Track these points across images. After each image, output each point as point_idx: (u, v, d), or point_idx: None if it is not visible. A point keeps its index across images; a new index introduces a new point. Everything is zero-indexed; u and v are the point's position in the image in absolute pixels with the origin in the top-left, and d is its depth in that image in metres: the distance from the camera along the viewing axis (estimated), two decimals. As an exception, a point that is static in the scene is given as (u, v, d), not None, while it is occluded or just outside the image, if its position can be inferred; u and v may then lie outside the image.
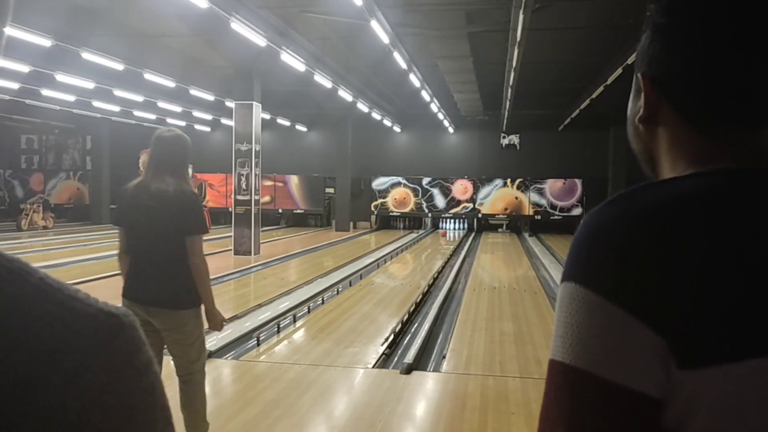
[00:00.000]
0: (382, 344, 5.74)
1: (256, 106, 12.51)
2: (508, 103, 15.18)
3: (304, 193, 21.57)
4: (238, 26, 8.59)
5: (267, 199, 20.60)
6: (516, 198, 20.65)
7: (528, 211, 20.54)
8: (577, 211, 20.03)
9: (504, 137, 21.10)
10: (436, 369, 5.16)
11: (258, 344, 5.72)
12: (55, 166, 24.33)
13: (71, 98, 16.65)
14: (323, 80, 12.71)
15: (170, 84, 14.22)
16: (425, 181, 21.18)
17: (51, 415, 0.37)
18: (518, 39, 8.85)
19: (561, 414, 0.57)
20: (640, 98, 0.69)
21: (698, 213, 0.58)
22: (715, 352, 0.54)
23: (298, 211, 21.68)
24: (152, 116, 19.37)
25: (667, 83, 0.66)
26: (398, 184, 21.37)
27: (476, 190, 20.90)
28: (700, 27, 0.64)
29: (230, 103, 13.61)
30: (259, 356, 5.45)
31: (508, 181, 20.69)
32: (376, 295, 8.52)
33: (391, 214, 21.56)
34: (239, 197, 12.63)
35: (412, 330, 6.48)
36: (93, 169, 23.16)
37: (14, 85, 14.74)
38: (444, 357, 5.46)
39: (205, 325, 3.16)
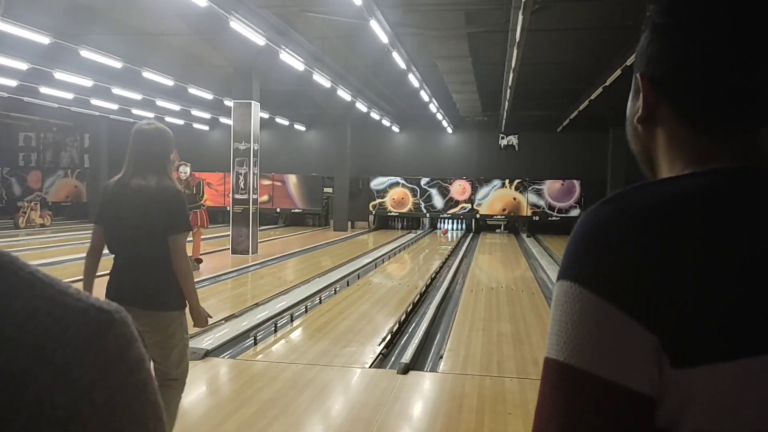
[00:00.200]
0: (380, 344, 5.74)
1: (255, 105, 12.51)
2: (506, 103, 15.19)
3: (302, 192, 21.56)
4: (237, 25, 8.58)
5: (265, 198, 20.58)
6: (514, 199, 20.66)
7: (526, 212, 20.55)
8: (575, 212, 20.04)
9: (503, 138, 21.11)
10: (433, 369, 5.15)
11: (255, 343, 5.71)
12: (53, 163, 24.30)
13: (69, 96, 16.63)
14: (322, 80, 12.71)
15: (169, 82, 14.20)
16: (423, 181, 21.19)
17: (40, 410, 0.37)
18: (517, 40, 8.85)
19: (555, 411, 0.57)
20: (639, 98, 0.69)
21: (695, 213, 0.58)
22: (708, 350, 0.54)
23: (296, 210, 21.68)
24: (150, 115, 19.34)
25: (666, 83, 0.67)
26: (396, 184, 21.37)
27: (474, 190, 20.91)
28: (698, 27, 0.64)
29: (229, 102, 13.60)
30: (256, 355, 5.44)
31: (507, 181, 20.70)
32: (374, 295, 8.51)
33: (389, 214, 21.56)
34: (237, 196, 12.62)
35: (410, 330, 6.48)
36: (91, 167, 23.13)
37: (12, 83, 14.72)
38: (441, 357, 5.46)
39: (190, 324, 3.04)
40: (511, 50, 9.85)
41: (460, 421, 4.00)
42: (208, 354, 5.22)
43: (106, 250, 2.96)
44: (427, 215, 21.39)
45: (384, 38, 9.25)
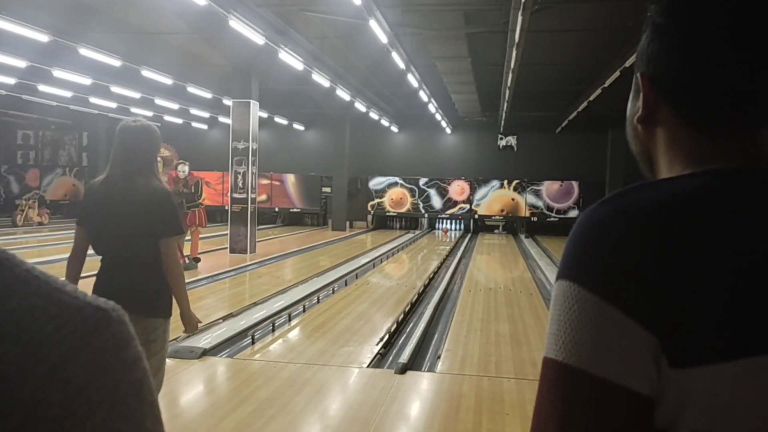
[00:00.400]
0: (377, 344, 5.74)
1: (254, 105, 12.50)
2: (505, 104, 15.19)
3: (300, 192, 21.55)
4: (236, 24, 8.58)
5: (263, 197, 20.57)
6: (513, 199, 20.67)
7: (524, 212, 20.56)
8: (573, 213, 20.04)
9: (501, 138, 21.12)
10: (431, 369, 5.15)
11: (253, 343, 5.71)
12: (51, 162, 24.27)
13: (68, 94, 16.61)
14: (321, 79, 12.70)
15: (168, 81, 14.19)
16: (422, 181, 21.19)
17: (35, 408, 0.37)
18: (517, 40, 8.85)
19: (553, 411, 0.57)
20: (639, 98, 0.69)
21: (693, 213, 0.58)
22: (707, 351, 0.54)
23: (295, 210, 21.67)
24: (149, 113, 19.34)
25: (666, 83, 0.66)
26: (395, 184, 21.37)
27: (473, 191, 20.91)
28: (699, 27, 0.64)
29: (228, 101, 13.59)
30: (254, 355, 5.44)
31: (505, 182, 20.70)
32: (372, 295, 8.51)
33: (387, 214, 21.56)
34: (236, 195, 12.61)
35: (407, 330, 6.48)
36: (89, 166, 23.11)
37: (11, 81, 14.71)
38: (439, 357, 5.46)
39: (180, 329, 2.95)
40: (511, 51, 9.86)
41: (457, 421, 3.99)
42: (205, 353, 5.22)
43: (90, 251, 2.86)
44: (426, 215, 21.40)
45: (383, 38, 9.24)
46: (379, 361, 5.32)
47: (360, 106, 16.75)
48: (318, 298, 7.89)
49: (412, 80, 12.78)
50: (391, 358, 5.40)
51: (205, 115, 20.38)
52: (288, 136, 22.15)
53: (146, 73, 13.12)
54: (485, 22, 10.08)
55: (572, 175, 20.28)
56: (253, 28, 9.01)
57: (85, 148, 23.70)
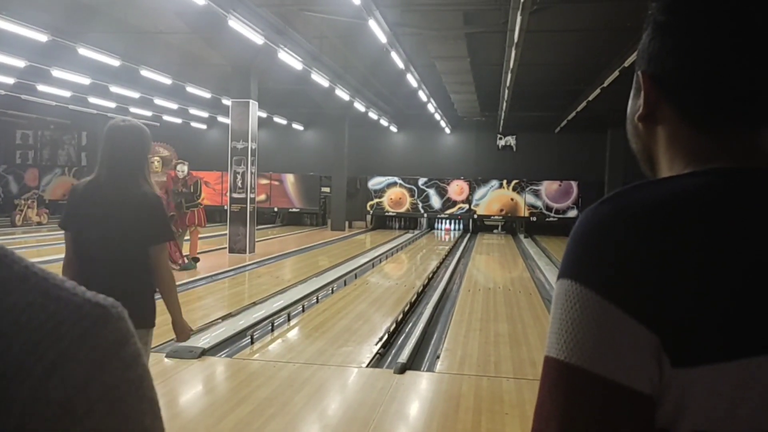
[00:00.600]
0: (376, 344, 5.73)
1: (253, 104, 12.49)
2: (505, 104, 15.20)
3: (299, 191, 21.55)
4: (235, 24, 8.57)
5: (263, 197, 20.56)
6: (512, 199, 20.68)
7: (523, 212, 20.57)
8: (572, 213, 20.05)
9: (500, 138, 21.12)
10: (430, 369, 5.15)
11: (252, 342, 5.70)
12: (50, 161, 24.24)
13: (67, 94, 16.60)
14: (320, 79, 12.70)
15: (167, 81, 14.18)
16: (421, 181, 21.19)
17: (34, 405, 0.36)
18: (516, 40, 8.86)
19: (555, 410, 0.57)
20: (640, 96, 0.69)
21: (694, 212, 0.58)
22: (708, 350, 0.54)
23: (294, 209, 21.66)
24: (148, 113, 19.33)
25: (667, 81, 0.66)
26: (394, 184, 21.37)
27: (472, 191, 20.91)
28: (700, 26, 0.64)
29: (227, 101, 13.58)
30: (253, 354, 5.44)
31: (504, 182, 20.71)
32: (371, 295, 8.51)
33: (386, 214, 21.56)
34: (235, 195, 12.61)
35: (407, 330, 6.48)
36: (88, 166, 23.09)
37: (10, 80, 14.69)
38: (438, 357, 5.46)
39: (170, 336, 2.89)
40: (510, 51, 9.86)
41: (456, 421, 3.99)
42: (204, 353, 5.21)
43: None
44: (425, 215, 21.40)
45: (383, 38, 9.24)
46: (378, 360, 5.31)
47: (359, 106, 16.75)
48: (317, 298, 7.88)
49: (412, 80, 12.78)
50: (390, 358, 5.39)
51: (204, 114, 20.37)
52: (287, 135, 22.14)
53: (145, 72, 13.11)
54: (484, 22, 10.08)
55: (571, 175, 20.29)
56: (253, 28, 9.01)
57: (84, 147, 23.68)
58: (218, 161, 18.89)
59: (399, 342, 5.96)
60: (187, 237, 10.34)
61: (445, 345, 5.87)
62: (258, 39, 9.35)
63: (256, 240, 13.18)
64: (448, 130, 21.27)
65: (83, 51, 10.88)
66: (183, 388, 4.61)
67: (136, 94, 16.21)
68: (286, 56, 10.56)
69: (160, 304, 2.74)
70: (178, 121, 21.11)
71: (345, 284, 9.19)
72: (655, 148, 0.70)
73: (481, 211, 20.93)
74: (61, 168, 23.98)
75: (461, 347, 5.81)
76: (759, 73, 0.62)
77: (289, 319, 6.70)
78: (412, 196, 21.25)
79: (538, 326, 6.68)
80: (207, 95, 16.53)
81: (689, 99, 0.65)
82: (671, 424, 0.55)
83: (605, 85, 12.38)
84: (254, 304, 7.47)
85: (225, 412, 3.99)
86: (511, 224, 20.81)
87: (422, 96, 15.04)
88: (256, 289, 8.69)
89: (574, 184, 20.26)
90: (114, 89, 15.47)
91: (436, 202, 21.15)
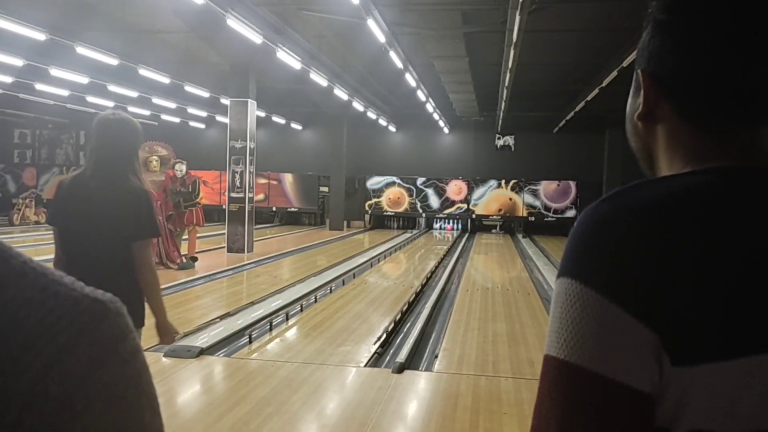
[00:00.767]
0: (375, 343, 5.73)
1: (252, 104, 12.49)
2: (503, 104, 15.20)
3: (298, 191, 21.54)
4: (234, 23, 8.56)
5: (261, 197, 20.55)
6: (510, 199, 20.68)
7: (522, 212, 20.58)
8: (570, 213, 20.07)
9: (499, 138, 21.12)
10: (428, 368, 5.15)
11: (250, 342, 5.70)
12: (48, 161, 24.20)
13: (65, 93, 16.57)
14: (319, 78, 12.69)
15: (165, 80, 14.16)
16: (420, 181, 21.19)
17: (32, 401, 0.36)
18: (514, 40, 8.86)
19: (554, 408, 0.57)
20: (640, 95, 0.69)
21: (694, 211, 0.58)
22: (708, 349, 0.54)
23: (292, 209, 21.66)
24: (146, 112, 19.30)
25: (667, 80, 0.66)
26: (393, 183, 21.37)
27: (470, 190, 20.92)
28: (700, 25, 0.64)
29: (225, 100, 13.58)
30: (251, 354, 5.43)
31: (503, 182, 20.72)
32: (369, 294, 8.51)
33: (385, 213, 21.56)
34: (233, 195, 12.60)
35: (405, 329, 6.48)
36: (86, 165, 23.05)
37: (8, 79, 14.66)
38: (436, 356, 5.46)
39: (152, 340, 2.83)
40: (508, 51, 9.86)
41: (455, 420, 3.99)
42: (202, 352, 5.21)
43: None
44: (423, 215, 21.40)
45: (381, 37, 9.24)
46: (376, 360, 5.31)
47: (358, 106, 16.74)
48: (315, 298, 7.88)
49: (410, 80, 12.78)
50: (388, 358, 5.39)
51: (203, 114, 20.34)
52: (285, 135, 22.13)
53: (143, 71, 13.08)
54: (483, 21, 10.08)
55: (569, 174, 20.30)
56: (251, 27, 8.99)
57: (82, 147, 23.62)
58: (216, 160, 18.86)
59: (397, 341, 5.96)
60: (185, 236, 10.34)
61: (443, 344, 5.87)
62: (256, 38, 9.34)
63: (255, 239, 13.18)
64: (446, 130, 21.27)
65: (81, 50, 10.86)
66: (181, 387, 4.61)
67: (134, 93, 16.19)
68: (285, 55, 10.55)
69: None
70: (177, 120, 21.09)
71: (343, 284, 9.19)
72: (654, 146, 0.70)
73: (479, 210, 20.94)
74: (59, 167, 23.92)
75: (459, 347, 5.81)
76: (758, 72, 0.62)
77: (287, 319, 6.69)
78: (410, 195, 21.25)
79: (536, 326, 6.69)
80: (205, 94, 16.51)
81: (689, 98, 0.65)
82: (671, 422, 0.55)
83: (604, 85, 12.39)
84: (252, 303, 7.47)
85: (223, 412, 3.98)
86: (510, 224, 20.82)
87: (421, 96, 15.04)
88: (254, 289, 8.69)
89: (572, 184, 20.27)
90: (112, 88, 15.43)
91: (434, 201, 21.15)
